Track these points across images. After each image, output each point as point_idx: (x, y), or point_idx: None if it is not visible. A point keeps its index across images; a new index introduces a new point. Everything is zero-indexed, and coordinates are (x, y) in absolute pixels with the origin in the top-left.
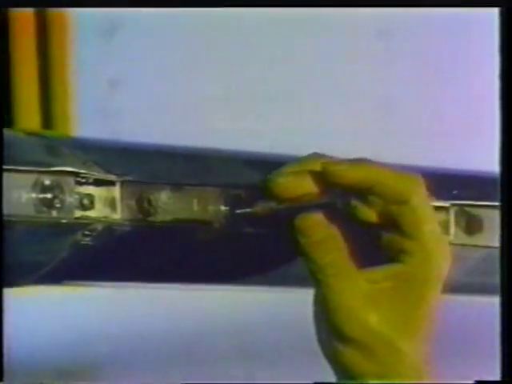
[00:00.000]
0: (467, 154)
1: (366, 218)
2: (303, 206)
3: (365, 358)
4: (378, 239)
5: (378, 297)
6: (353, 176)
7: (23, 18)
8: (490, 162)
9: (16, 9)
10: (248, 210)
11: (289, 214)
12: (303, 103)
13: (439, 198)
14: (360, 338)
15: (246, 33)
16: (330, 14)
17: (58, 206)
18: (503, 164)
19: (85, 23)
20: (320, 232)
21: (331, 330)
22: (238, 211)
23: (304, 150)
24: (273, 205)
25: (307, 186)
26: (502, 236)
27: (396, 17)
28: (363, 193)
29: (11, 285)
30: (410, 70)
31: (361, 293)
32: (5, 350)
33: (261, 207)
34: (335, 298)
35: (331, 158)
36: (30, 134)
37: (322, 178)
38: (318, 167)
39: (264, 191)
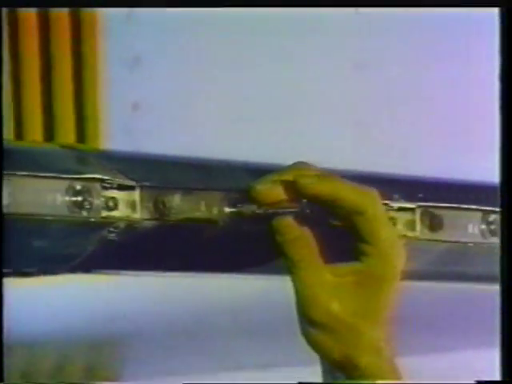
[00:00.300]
0: (435, 162)
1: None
2: (277, 211)
3: (329, 339)
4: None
5: (341, 288)
6: (318, 190)
7: (62, 44)
8: (452, 169)
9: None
10: (235, 210)
11: (270, 216)
12: (299, 118)
13: (407, 200)
14: (324, 321)
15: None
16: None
17: (87, 207)
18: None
19: (112, 54)
20: (292, 232)
21: (302, 315)
22: (228, 210)
23: (294, 160)
24: (254, 208)
25: (281, 194)
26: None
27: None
28: (327, 205)
29: (48, 273)
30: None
31: (326, 284)
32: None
33: (245, 209)
34: (305, 288)
35: (309, 168)
36: (65, 146)
37: (294, 188)
38: (291, 178)
39: (248, 195)
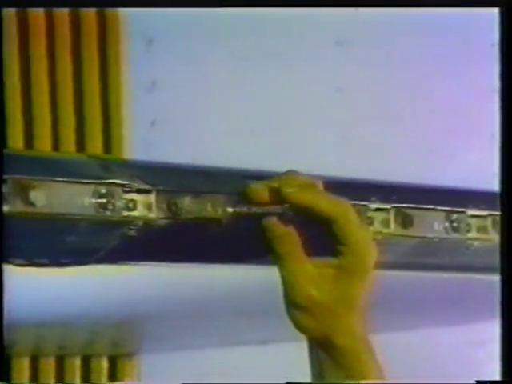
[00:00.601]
0: (407, 168)
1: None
2: (267, 211)
3: (310, 320)
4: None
5: (321, 278)
6: (297, 199)
7: (92, 71)
8: (423, 174)
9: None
10: (236, 210)
11: (264, 215)
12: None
13: (383, 202)
14: (306, 305)
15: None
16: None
17: (110, 208)
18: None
19: (133, 79)
20: (278, 230)
21: (287, 300)
22: (231, 210)
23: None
24: (252, 208)
25: (269, 197)
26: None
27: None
28: (305, 212)
29: (78, 264)
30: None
31: (308, 274)
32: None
33: (244, 209)
34: (289, 277)
35: (296, 178)
36: (92, 157)
37: (279, 194)
38: (277, 185)
39: (243, 196)
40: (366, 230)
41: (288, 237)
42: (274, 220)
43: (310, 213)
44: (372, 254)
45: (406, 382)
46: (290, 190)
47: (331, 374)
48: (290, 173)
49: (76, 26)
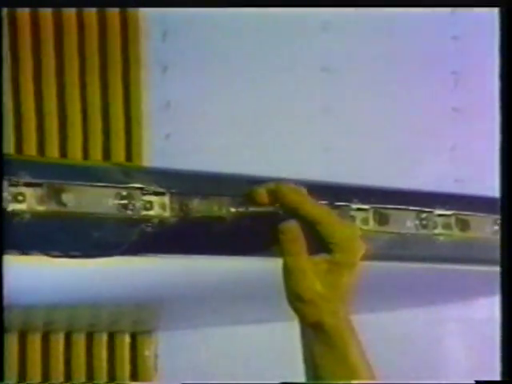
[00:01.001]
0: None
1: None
2: (262, 211)
3: (309, 308)
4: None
5: (318, 272)
6: (285, 201)
7: (117, 92)
8: (399, 178)
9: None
10: (238, 210)
11: (259, 214)
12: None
13: (363, 203)
14: (308, 298)
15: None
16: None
17: (131, 208)
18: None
19: (150, 100)
20: (294, 233)
21: (291, 292)
22: (234, 210)
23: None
24: (246, 208)
25: (267, 198)
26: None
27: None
28: (292, 213)
29: (104, 256)
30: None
31: (308, 269)
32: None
33: (246, 209)
34: (294, 272)
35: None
36: (116, 164)
37: (274, 196)
38: (274, 188)
39: (246, 197)
40: (351, 228)
41: (299, 240)
42: (292, 224)
43: (297, 214)
44: (358, 249)
45: (406, 381)
46: (280, 194)
47: (319, 353)
48: (283, 181)
49: (103, 52)
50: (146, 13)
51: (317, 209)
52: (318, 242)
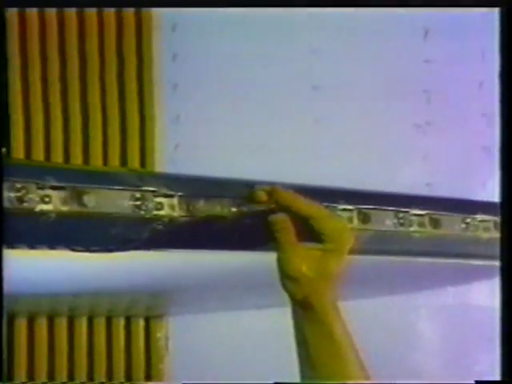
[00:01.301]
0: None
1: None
2: (258, 211)
3: (296, 287)
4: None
5: (309, 258)
6: (280, 200)
7: (133, 108)
8: (376, 184)
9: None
10: (238, 210)
11: (259, 214)
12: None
13: (348, 204)
14: (295, 276)
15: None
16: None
17: (144, 208)
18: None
19: (163, 115)
20: (283, 223)
21: (281, 273)
22: (234, 210)
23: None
24: (245, 208)
25: (265, 198)
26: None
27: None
28: (287, 211)
29: (120, 250)
30: None
31: (299, 255)
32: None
33: (245, 209)
34: (285, 256)
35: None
36: (131, 170)
37: (271, 196)
38: (270, 190)
39: (248, 198)
40: (340, 222)
41: (288, 229)
42: (280, 215)
43: (291, 211)
44: (348, 240)
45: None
46: (277, 194)
47: (307, 329)
48: (277, 184)
49: (121, 75)
50: (157, 34)
51: (309, 205)
52: (311, 234)
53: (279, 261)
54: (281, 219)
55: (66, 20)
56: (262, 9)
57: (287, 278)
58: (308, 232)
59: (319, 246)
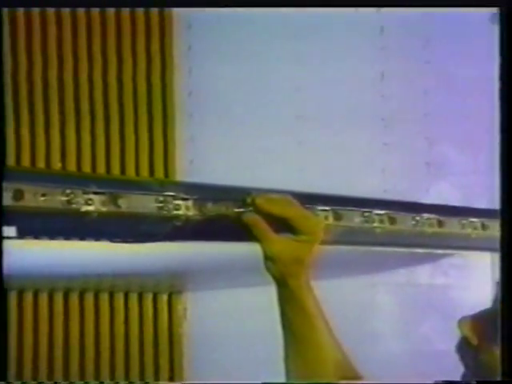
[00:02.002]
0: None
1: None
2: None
3: (274, 266)
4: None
5: (285, 244)
6: (264, 206)
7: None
8: (347, 189)
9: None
10: (240, 210)
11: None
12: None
13: (325, 205)
14: (273, 259)
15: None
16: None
17: (166, 209)
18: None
19: (180, 135)
20: (253, 220)
21: (263, 256)
22: (236, 211)
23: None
24: (245, 209)
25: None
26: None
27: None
28: (262, 212)
29: (147, 242)
30: None
31: (277, 241)
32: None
33: (241, 210)
34: (264, 243)
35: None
36: (156, 179)
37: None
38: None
39: (247, 201)
40: (314, 219)
41: (259, 224)
42: (250, 214)
43: (275, 214)
44: (319, 234)
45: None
46: (264, 202)
47: (285, 305)
48: (271, 190)
49: (150, 102)
50: (176, 68)
51: (288, 209)
52: (289, 229)
53: (261, 248)
54: (251, 218)
55: (94, 39)
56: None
57: (268, 259)
58: (286, 227)
59: (295, 236)
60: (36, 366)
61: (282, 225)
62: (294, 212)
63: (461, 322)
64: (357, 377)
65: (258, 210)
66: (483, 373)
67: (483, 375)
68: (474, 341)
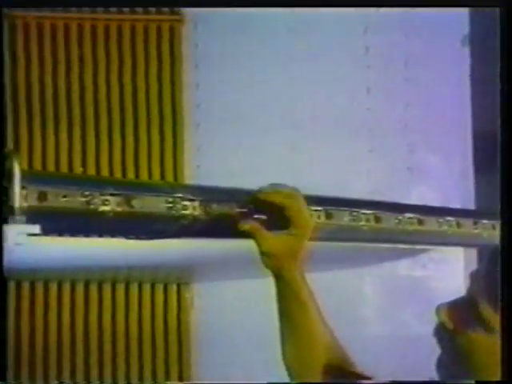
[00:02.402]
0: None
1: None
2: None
3: (269, 261)
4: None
5: (278, 240)
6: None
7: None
8: (336, 191)
9: None
10: (242, 211)
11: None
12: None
13: (317, 205)
14: (268, 253)
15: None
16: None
17: (174, 209)
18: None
19: (189, 145)
20: (247, 225)
21: (260, 251)
22: (239, 211)
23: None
24: (246, 209)
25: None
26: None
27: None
28: (265, 202)
29: (158, 239)
30: None
31: (270, 239)
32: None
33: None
34: (260, 241)
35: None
36: (166, 183)
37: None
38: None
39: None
40: (306, 214)
41: (257, 226)
42: (247, 222)
43: (273, 202)
44: (309, 228)
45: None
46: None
47: (281, 296)
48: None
49: (161, 120)
50: (184, 84)
51: (286, 199)
52: (280, 223)
53: (257, 245)
54: (248, 224)
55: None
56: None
57: (264, 255)
58: (278, 221)
59: (286, 231)
60: (60, 352)
61: (278, 216)
62: (293, 204)
63: (438, 308)
64: (345, 358)
65: (261, 202)
66: (458, 354)
67: (458, 356)
68: (450, 325)
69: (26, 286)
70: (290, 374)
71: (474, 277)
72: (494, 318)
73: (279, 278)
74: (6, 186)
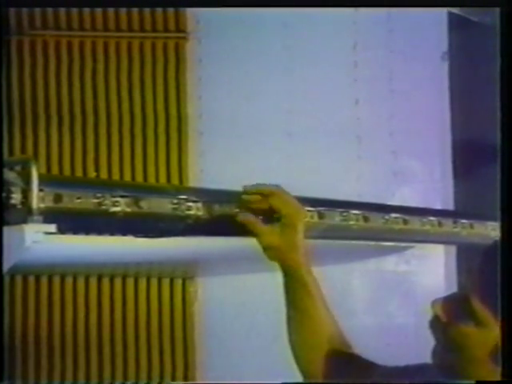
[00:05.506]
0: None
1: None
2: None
3: (271, 252)
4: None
5: (274, 233)
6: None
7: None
8: (328, 194)
9: None
10: (238, 210)
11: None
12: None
13: (311, 206)
14: (268, 245)
15: None
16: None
17: (179, 210)
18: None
19: (193, 151)
20: (247, 218)
21: (261, 245)
22: (237, 210)
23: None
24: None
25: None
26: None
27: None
28: (252, 203)
29: (164, 237)
30: None
31: (267, 232)
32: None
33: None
34: (258, 235)
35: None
36: (173, 186)
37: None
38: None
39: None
40: (295, 202)
41: (254, 219)
42: (243, 214)
43: (261, 205)
44: (299, 217)
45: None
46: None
47: (288, 286)
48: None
49: (168, 127)
50: (188, 96)
51: (273, 198)
52: (275, 215)
53: (257, 240)
54: (245, 216)
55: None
56: None
57: (265, 250)
58: (272, 215)
59: (279, 223)
60: (76, 344)
61: (270, 213)
62: (277, 199)
63: (433, 302)
64: (347, 343)
65: (248, 203)
66: (450, 345)
67: (450, 347)
68: (444, 318)
69: (44, 280)
70: (295, 358)
71: (467, 274)
72: (485, 314)
73: (285, 269)
74: (25, 188)
